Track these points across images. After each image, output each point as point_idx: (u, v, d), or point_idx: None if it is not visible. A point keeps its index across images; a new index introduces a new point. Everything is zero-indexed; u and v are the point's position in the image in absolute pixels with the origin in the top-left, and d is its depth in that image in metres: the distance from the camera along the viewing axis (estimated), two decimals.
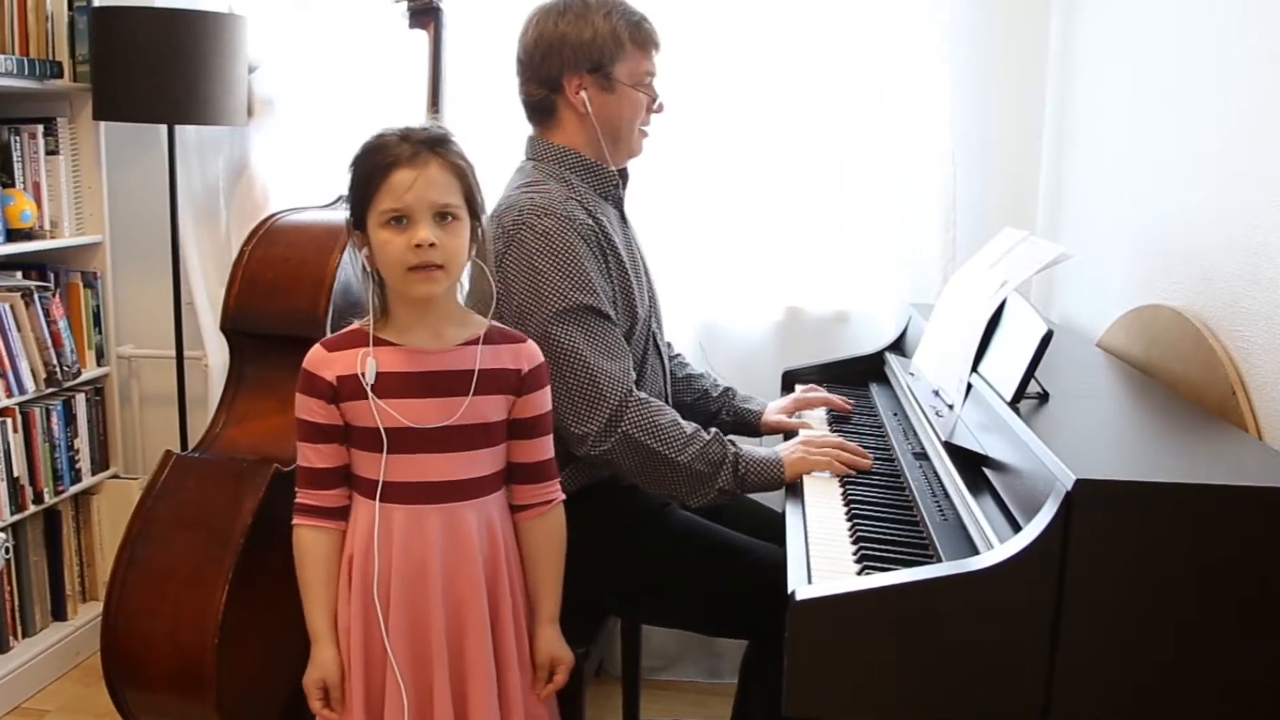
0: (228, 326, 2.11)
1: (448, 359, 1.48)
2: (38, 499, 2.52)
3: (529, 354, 1.53)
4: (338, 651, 1.50)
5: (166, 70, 2.37)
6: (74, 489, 2.64)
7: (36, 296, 2.51)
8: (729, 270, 2.55)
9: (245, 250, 2.11)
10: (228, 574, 1.83)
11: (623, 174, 1.91)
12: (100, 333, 2.73)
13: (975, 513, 1.31)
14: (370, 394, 1.45)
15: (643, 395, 1.69)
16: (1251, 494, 1.12)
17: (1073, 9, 2.34)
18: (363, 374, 1.45)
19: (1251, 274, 1.51)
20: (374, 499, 1.47)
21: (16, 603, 2.54)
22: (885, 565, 1.31)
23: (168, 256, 2.61)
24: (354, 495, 1.52)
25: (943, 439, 1.55)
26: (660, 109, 1.88)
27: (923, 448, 1.68)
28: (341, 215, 2.16)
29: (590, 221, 1.74)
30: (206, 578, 1.84)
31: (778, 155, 2.50)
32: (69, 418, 2.62)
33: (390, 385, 1.45)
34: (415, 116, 2.28)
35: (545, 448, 1.56)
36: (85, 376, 2.65)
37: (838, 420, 2.01)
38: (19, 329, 2.46)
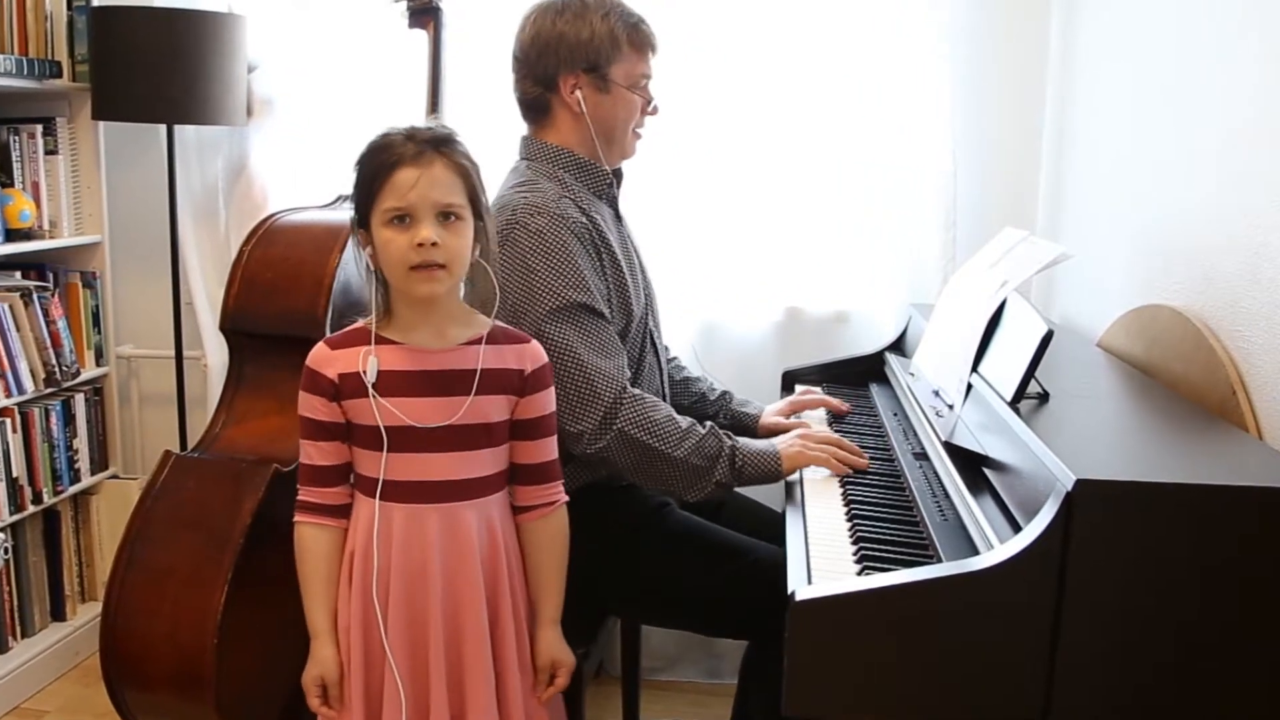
0: (227, 326, 2.10)
1: (450, 358, 1.47)
2: (37, 499, 2.52)
3: (532, 354, 1.53)
4: (337, 649, 1.50)
5: (166, 70, 2.37)
6: (73, 489, 2.64)
7: (35, 296, 2.51)
8: (729, 270, 2.55)
9: (244, 250, 2.11)
10: (227, 574, 1.83)
11: (617, 173, 1.91)
12: (99, 333, 2.73)
13: (975, 513, 1.31)
14: (371, 392, 1.45)
15: (637, 391, 1.70)
16: (1252, 494, 1.12)
17: (1073, 9, 2.34)
18: (364, 372, 1.45)
19: (1252, 274, 1.51)
20: (374, 497, 1.47)
21: (15, 603, 2.54)
22: (885, 565, 1.31)
23: (167, 256, 2.61)
24: (356, 493, 1.52)
25: (943, 439, 1.55)
26: (655, 111, 1.89)
27: (923, 448, 1.68)
28: (341, 215, 2.16)
29: (584, 220, 1.74)
30: (206, 578, 1.84)
31: (777, 155, 2.50)
32: (68, 418, 2.61)
33: (392, 384, 1.45)
34: (415, 116, 2.28)
35: (548, 449, 1.55)
36: (84, 376, 2.65)
37: (837, 420, 2.01)
38: (18, 329, 2.46)
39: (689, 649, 2.64)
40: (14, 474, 2.44)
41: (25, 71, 2.44)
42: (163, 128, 2.57)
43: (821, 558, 1.36)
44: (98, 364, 2.73)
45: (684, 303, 2.52)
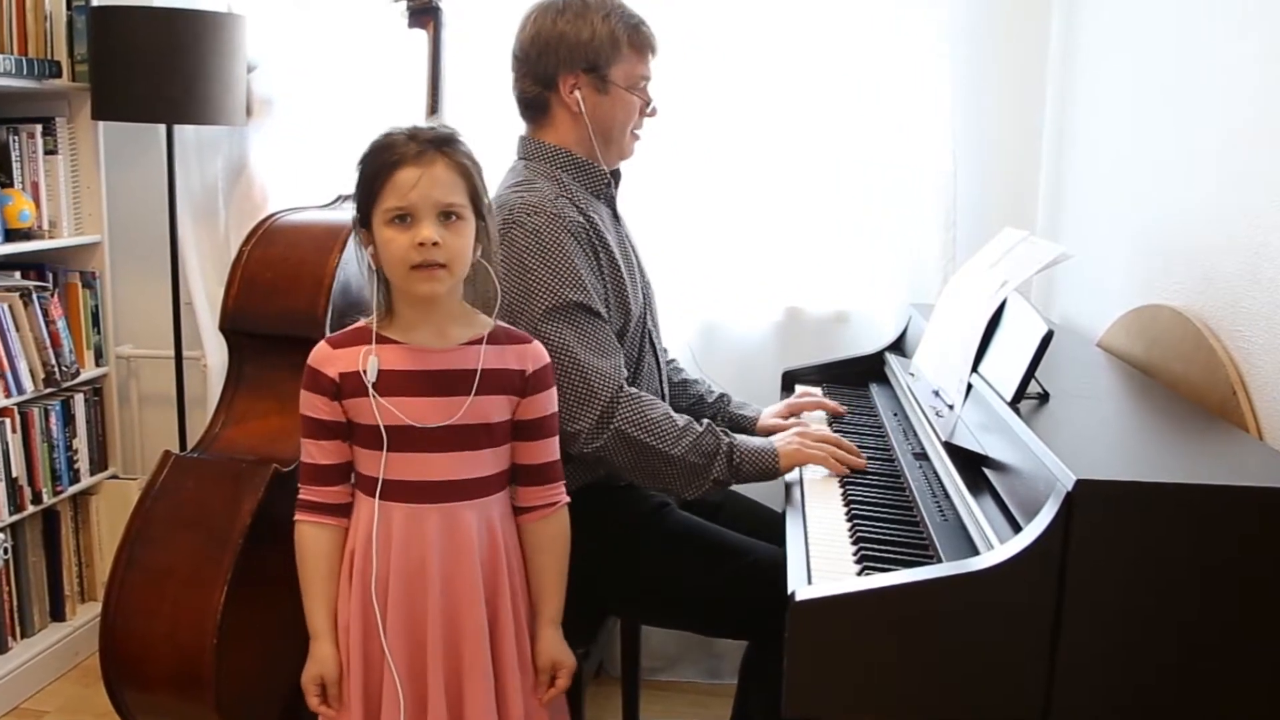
0: (226, 326, 2.10)
1: (451, 358, 1.47)
2: (36, 499, 2.52)
3: (534, 355, 1.53)
4: (336, 648, 1.50)
5: (165, 70, 2.37)
6: (73, 489, 2.64)
7: (35, 296, 2.51)
8: (729, 270, 2.54)
9: (244, 250, 2.11)
10: (226, 574, 1.83)
11: (615, 174, 1.91)
12: (99, 333, 2.73)
13: (975, 513, 1.31)
14: (371, 391, 1.45)
15: (633, 390, 1.70)
16: (1252, 494, 1.12)
17: (1073, 9, 2.34)
18: (364, 371, 1.45)
19: (1252, 274, 1.51)
20: (375, 497, 1.47)
21: (15, 603, 2.53)
22: (885, 566, 1.31)
23: (166, 256, 2.60)
24: (357, 493, 1.52)
25: (943, 439, 1.55)
26: (654, 113, 1.89)
27: (923, 448, 1.68)
28: (340, 215, 2.16)
29: (581, 219, 1.74)
30: (205, 578, 1.84)
31: (777, 155, 2.50)
32: (67, 418, 2.61)
33: (392, 383, 1.45)
34: (414, 116, 2.29)
35: (550, 449, 1.55)
36: (84, 377, 2.65)
37: (837, 420, 2.01)
38: (17, 329, 2.46)
39: (689, 649, 2.64)
40: (13, 474, 2.43)
41: (25, 71, 2.44)
42: (162, 128, 2.57)
43: (821, 558, 1.36)
44: (97, 364, 2.73)
45: (684, 303, 2.52)
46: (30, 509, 2.50)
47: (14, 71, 2.40)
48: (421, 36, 2.31)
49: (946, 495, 1.46)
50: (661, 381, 1.96)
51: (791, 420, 1.97)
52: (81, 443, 2.66)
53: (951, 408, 1.60)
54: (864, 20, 2.44)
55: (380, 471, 1.45)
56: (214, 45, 2.42)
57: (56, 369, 2.54)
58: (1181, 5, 1.81)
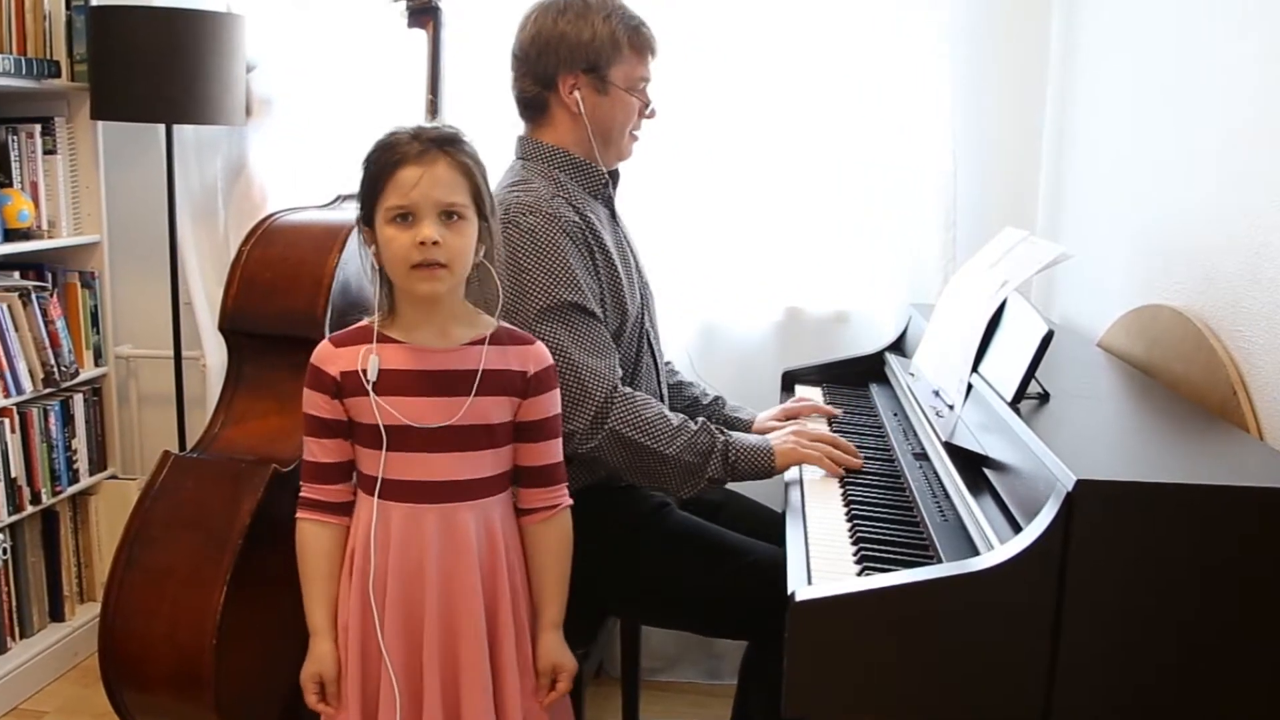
0: (226, 326, 2.10)
1: (452, 358, 1.47)
2: (35, 500, 2.52)
3: (536, 356, 1.52)
4: (335, 647, 1.50)
5: (164, 69, 2.37)
6: (72, 489, 2.64)
7: (34, 296, 2.51)
8: (728, 270, 2.54)
9: (243, 250, 2.11)
10: (226, 574, 1.83)
11: (613, 174, 1.91)
12: (98, 333, 2.73)
13: (975, 513, 1.31)
14: (370, 391, 1.44)
15: (628, 390, 1.69)
16: (1252, 494, 1.11)
17: (1073, 9, 2.34)
18: (364, 370, 1.45)
19: (1252, 274, 1.50)
20: (374, 496, 1.47)
21: (14, 604, 2.53)
22: (885, 566, 1.31)
23: (166, 256, 2.60)
24: (358, 492, 1.52)
25: (943, 439, 1.55)
26: (653, 115, 1.89)
27: (923, 448, 1.68)
28: (340, 215, 2.16)
29: (577, 219, 1.73)
30: (205, 578, 1.84)
31: (777, 155, 2.49)
32: (67, 418, 2.61)
33: (392, 383, 1.45)
34: (414, 116, 2.28)
35: (553, 451, 1.55)
36: (83, 377, 2.65)
37: (837, 420, 2.00)
38: (16, 329, 2.46)
39: (689, 649, 2.64)
40: (12, 474, 2.43)
41: (24, 71, 2.43)
42: (161, 127, 2.57)
43: (821, 558, 1.35)
44: (96, 364, 2.72)
45: (684, 303, 2.51)
46: (29, 509, 2.50)
47: (13, 71, 2.40)
48: (421, 36, 2.31)
49: (946, 495, 1.46)
50: (659, 381, 1.95)
51: (789, 423, 1.97)
52: (81, 443, 2.66)
53: (951, 408, 1.60)
54: (864, 21, 2.44)
55: (379, 471, 1.45)
56: (213, 45, 2.42)
57: (56, 369, 2.54)
58: (1181, 5, 1.81)
